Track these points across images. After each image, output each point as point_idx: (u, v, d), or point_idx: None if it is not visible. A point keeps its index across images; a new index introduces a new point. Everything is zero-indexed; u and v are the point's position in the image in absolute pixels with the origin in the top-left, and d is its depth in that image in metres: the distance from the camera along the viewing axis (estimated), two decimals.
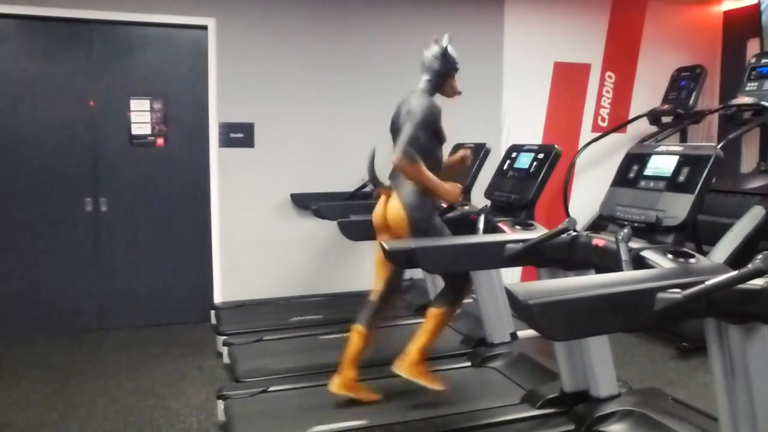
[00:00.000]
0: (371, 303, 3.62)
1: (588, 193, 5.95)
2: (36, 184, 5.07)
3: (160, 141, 5.32)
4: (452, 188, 3.52)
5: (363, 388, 3.53)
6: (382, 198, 3.63)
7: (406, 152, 3.33)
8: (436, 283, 5.04)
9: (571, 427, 3.19)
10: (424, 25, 5.71)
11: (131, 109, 5.23)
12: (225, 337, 4.57)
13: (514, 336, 4.33)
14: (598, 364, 3.27)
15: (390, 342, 4.46)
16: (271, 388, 3.66)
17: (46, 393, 4.03)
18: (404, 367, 3.49)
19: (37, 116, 5.04)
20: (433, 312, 3.55)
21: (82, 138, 5.13)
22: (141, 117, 5.26)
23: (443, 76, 3.56)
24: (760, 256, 1.91)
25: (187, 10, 5.23)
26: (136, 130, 5.26)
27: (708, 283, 1.97)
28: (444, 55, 3.54)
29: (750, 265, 1.92)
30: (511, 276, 6.00)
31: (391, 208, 3.51)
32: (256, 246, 5.56)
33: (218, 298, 5.48)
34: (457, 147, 4.74)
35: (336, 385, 3.49)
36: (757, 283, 2.01)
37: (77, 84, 5.11)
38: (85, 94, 5.13)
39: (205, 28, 5.30)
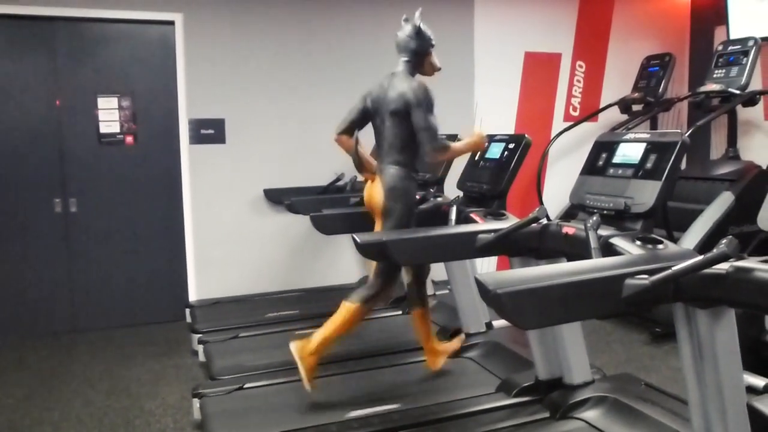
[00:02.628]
0: (369, 281, 3.58)
1: (561, 181, 5.97)
2: (3, 186, 4.99)
3: (129, 139, 5.25)
4: (477, 139, 3.68)
5: (315, 371, 3.42)
6: (369, 182, 3.66)
7: (435, 147, 3.39)
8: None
9: (546, 414, 3.22)
10: (393, 17, 5.66)
11: (99, 107, 5.16)
12: (200, 335, 4.54)
13: (489, 326, 4.35)
14: (572, 351, 3.30)
15: (367, 335, 4.49)
16: (247, 385, 3.64)
17: (18, 397, 3.98)
18: (433, 361, 3.67)
19: (1, 117, 4.95)
20: (416, 314, 3.63)
21: (49, 138, 5.06)
22: (109, 115, 5.19)
23: (421, 55, 3.58)
24: (724, 241, 1.92)
25: (153, 6, 5.17)
26: (104, 128, 5.19)
27: (674, 268, 1.99)
28: (418, 33, 3.56)
29: (715, 250, 1.94)
30: (487, 266, 6.03)
31: (375, 191, 3.57)
32: (230, 243, 5.53)
33: (193, 296, 5.44)
34: None
35: (296, 347, 3.40)
36: (722, 267, 2.03)
37: (42, 83, 5.02)
38: (51, 93, 5.05)
39: (172, 23, 5.24)
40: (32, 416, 3.71)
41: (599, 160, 3.16)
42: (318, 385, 3.47)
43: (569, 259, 2.92)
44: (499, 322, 4.37)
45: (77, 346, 4.88)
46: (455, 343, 4.02)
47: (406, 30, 3.57)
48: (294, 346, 3.41)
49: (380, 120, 3.57)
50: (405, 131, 3.45)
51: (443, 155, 3.48)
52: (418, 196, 4.19)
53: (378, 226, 3.67)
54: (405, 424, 3.18)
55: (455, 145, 3.56)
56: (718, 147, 6.28)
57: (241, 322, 4.77)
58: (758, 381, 3.46)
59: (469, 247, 3.06)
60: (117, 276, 5.29)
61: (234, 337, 4.49)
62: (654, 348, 4.53)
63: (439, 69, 3.68)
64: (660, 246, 2.47)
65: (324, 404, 3.41)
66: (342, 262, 5.80)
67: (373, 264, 3.56)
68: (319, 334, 3.43)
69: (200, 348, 4.39)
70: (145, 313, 5.34)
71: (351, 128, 3.71)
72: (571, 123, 6.26)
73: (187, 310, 5.12)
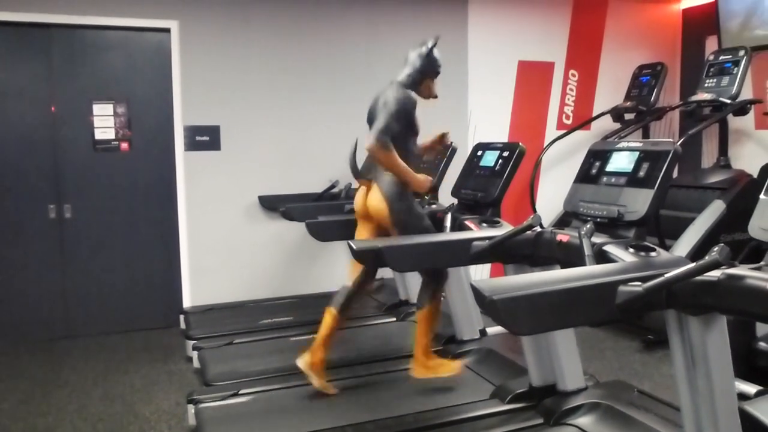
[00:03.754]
0: (345, 288, 3.69)
1: (555, 189, 6.01)
2: None
3: (124, 145, 5.26)
4: (424, 179, 3.61)
5: (325, 376, 3.57)
6: (362, 189, 3.68)
7: (379, 138, 3.40)
8: (406, 283, 5.08)
9: (540, 420, 3.23)
10: (388, 25, 5.73)
11: (94, 113, 5.17)
12: (194, 342, 4.53)
13: (483, 333, 4.37)
14: (565, 358, 3.32)
15: (362, 342, 4.51)
16: (242, 391, 3.64)
17: (12, 403, 3.97)
18: (418, 371, 3.65)
19: None
20: (422, 313, 3.66)
21: (44, 144, 5.06)
22: (104, 122, 5.20)
23: (423, 75, 3.65)
24: (716, 248, 1.95)
25: (149, 13, 5.18)
26: (99, 135, 5.20)
27: (667, 275, 2.01)
28: (428, 55, 3.63)
29: (707, 257, 1.97)
30: (481, 274, 6.05)
31: (372, 199, 3.58)
32: (225, 249, 5.53)
33: (187, 302, 5.44)
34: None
35: (303, 361, 3.56)
36: (714, 274, 2.06)
37: (38, 89, 5.03)
38: (47, 100, 5.06)
39: (167, 30, 5.26)
40: (27, 422, 3.71)
41: (593, 168, 3.19)
42: (312, 392, 3.49)
43: (563, 267, 2.94)
44: (493, 329, 4.39)
45: (71, 352, 4.87)
46: (451, 366, 3.76)
47: (418, 49, 3.66)
48: (415, 373, 3.65)
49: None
50: (394, 139, 3.47)
51: (381, 150, 3.41)
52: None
53: (362, 233, 3.71)
54: (400, 430, 3.19)
55: (398, 160, 3.47)
56: (709, 156, 6.34)
57: (236, 328, 4.76)
58: (749, 388, 3.48)
59: (463, 254, 3.08)
60: (111, 282, 5.29)
61: (228, 344, 4.49)
62: (646, 355, 4.55)
63: (435, 97, 3.75)
64: (653, 253, 2.51)
65: (319, 411, 3.42)
66: (336, 269, 5.80)
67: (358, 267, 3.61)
68: (418, 349, 3.69)
69: (194, 354, 4.38)
70: (139, 320, 5.34)
71: None
72: (564, 131, 6.30)
73: (182, 317, 5.12)
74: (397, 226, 3.53)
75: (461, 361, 3.82)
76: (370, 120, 3.67)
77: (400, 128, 3.49)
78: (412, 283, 4.91)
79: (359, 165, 3.71)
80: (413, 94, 3.58)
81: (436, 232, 3.65)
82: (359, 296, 3.75)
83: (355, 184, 3.79)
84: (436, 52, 3.66)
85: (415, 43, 3.70)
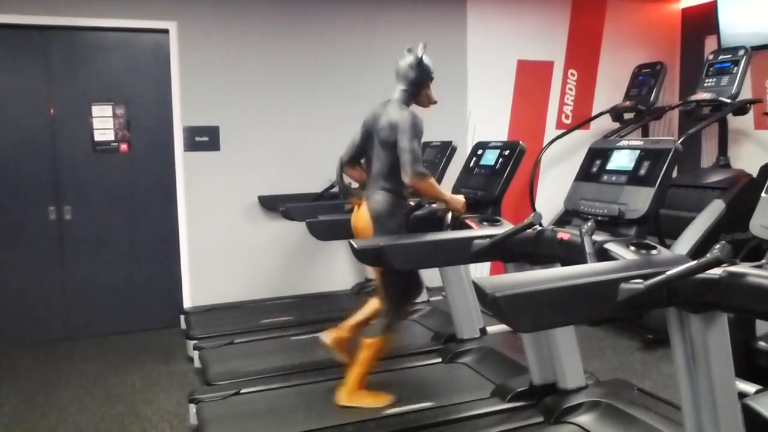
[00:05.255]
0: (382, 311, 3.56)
1: (554, 188, 6.01)
2: None
3: (123, 147, 5.27)
4: (459, 199, 3.64)
5: (370, 394, 3.53)
6: (355, 207, 3.64)
7: (416, 171, 3.33)
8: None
9: (540, 419, 3.24)
10: (387, 25, 5.74)
11: (93, 115, 5.17)
12: (195, 342, 4.54)
13: (483, 332, 4.37)
14: (566, 356, 3.33)
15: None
16: (243, 391, 3.65)
17: (13, 404, 3.97)
18: (343, 397, 3.49)
19: None
20: (370, 342, 3.47)
21: (43, 146, 5.06)
22: (103, 123, 5.20)
23: (419, 86, 3.53)
24: (717, 246, 1.96)
25: (147, 15, 5.18)
26: (98, 136, 5.20)
27: (668, 273, 2.02)
28: (419, 64, 3.50)
29: (708, 255, 1.97)
30: (480, 272, 6.05)
31: (359, 218, 3.54)
32: (225, 249, 5.53)
33: (187, 302, 5.44)
34: (425, 146, 4.78)
35: (329, 336, 3.62)
36: (715, 272, 2.07)
37: (36, 91, 5.03)
38: (45, 102, 5.06)
39: (166, 32, 5.26)
40: (28, 423, 3.71)
41: (593, 166, 3.20)
42: (313, 391, 3.50)
43: (563, 265, 2.94)
44: (494, 328, 4.39)
45: (72, 353, 4.87)
46: (378, 400, 3.52)
47: (407, 59, 3.54)
48: (340, 400, 3.49)
49: (371, 147, 3.56)
50: (393, 159, 3.40)
51: (421, 181, 3.36)
52: (412, 203, 4.22)
53: None
54: (401, 428, 3.20)
55: (436, 185, 3.50)
56: (708, 155, 6.35)
57: (236, 328, 4.77)
58: (749, 387, 3.49)
59: (464, 253, 3.09)
60: (112, 283, 5.29)
61: (229, 343, 4.50)
62: (646, 354, 4.56)
63: (435, 102, 3.65)
64: (654, 251, 2.51)
65: (319, 409, 3.42)
66: (336, 269, 5.82)
67: (370, 269, 3.59)
68: (352, 376, 3.50)
69: (195, 354, 4.39)
70: (139, 320, 5.34)
71: (356, 157, 3.69)
72: (564, 131, 6.31)
73: (182, 317, 5.12)
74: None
75: (389, 397, 3.53)
76: (367, 137, 3.58)
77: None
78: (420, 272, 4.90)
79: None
80: (417, 112, 3.47)
81: None
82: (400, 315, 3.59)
83: (354, 184, 3.77)
84: (426, 59, 3.53)
85: (403, 51, 3.58)
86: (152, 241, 5.39)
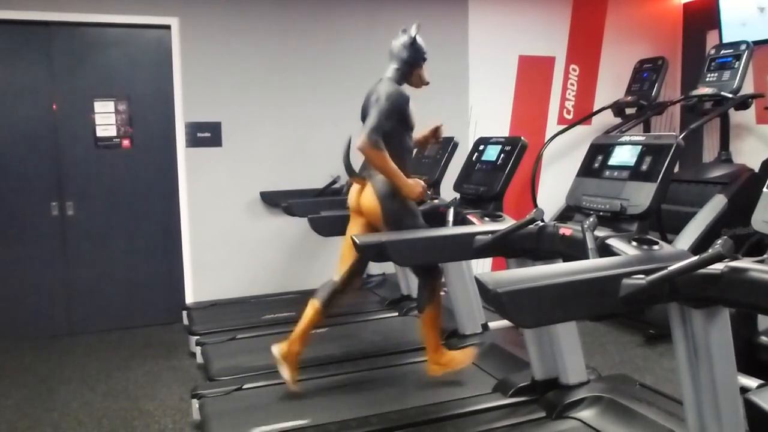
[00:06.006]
0: (332, 283, 3.68)
1: (556, 184, 6.01)
2: (0, 190, 5.00)
3: (126, 142, 5.27)
4: (414, 184, 3.49)
5: (296, 369, 3.55)
6: (357, 186, 3.65)
7: (370, 137, 3.34)
8: (408, 278, 5.09)
9: (542, 414, 3.25)
10: (389, 21, 5.71)
11: (95, 111, 5.17)
12: (198, 337, 4.55)
13: (485, 327, 4.38)
14: (568, 352, 3.33)
15: (364, 336, 4.52)
16: (245, 386, 3.66)
17: (16, 399, 3.99)
18: (433, 368, 3.65)
19: None
20: (424, 315, 3.63)
21: (46, 142, 5.07)
22: (106, 119, 5.20)
23: (411, 66, 3.57)
24: (719, 241, 1.96)
25: (149, 10, 5.18)
26: (101, 132, 5.20)
27: (670, 268, 2.03)
28: (412, 44, 3.54)
29: (710, 250, 1.98)
30: (482, 268, 6.05)
31: (365, 198, 3.55)
32: (227, 245, 5.54)
33: (190, 298, 5.45)
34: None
35: (279, 349, 3.55)
36: (718, 267, 2.07)
37: (39, 87, 5.03)
38: (48, 98, 5.06)
39: (168, 27, 5.26)
40: (31, 418, 3.72)
41: (595, 162, 3.20)
42: (316, 386, 3.50)
43: (565, 260, 2.95)
44: (495, 324, 4.40)
45: (75, 348, 4.88)
46: (463, 356, 3.76)
47: (401, 39, 3.57)
48: (433, 372, 3.65)
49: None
50: (388, 136, 3.41)
51: (371, 149, 3.34)
52: None
53: (354, 229, 3.66)
54: (402, 424, 3.21)
55: (389, 161, 3.39)
56: (710, 150, 6.34)
57: (239, 323, 4.78)
58: (751, 382, 3.49)
59: (466, 249, 3.10)
60: (114, 278, 5.30)
61: (231, 339, 4.51)
62: (648, 349, 4.56)
63: (427, 83, 3.65)
64: (656, 247, 2.51)
65: (322, 404, 3.43)
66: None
67: (347, 261, 3.61)
68: (429, 349, 3.69)
69: (198, 349, 4.40)
70: (142, 316, 5.35)
71: None
72: (565, 126, 6.30)
73: (184, 313, 5.13)
74: (390, 225, 3.47)
75: (472, 348, 3.81)
76: (363, 117, 3.60)
77: (394, 125, 3.42)
78: (413, 278, 4.91)
79: (354, 163, 3.69)
80: (404, 90, 3.51)
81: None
82: (344, 293, 3.70)
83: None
84: (419, 40, 3.56)
85: (391, 40, 3.61)
86: (154, 236, 5.40)
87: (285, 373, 3.52)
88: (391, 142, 3.41)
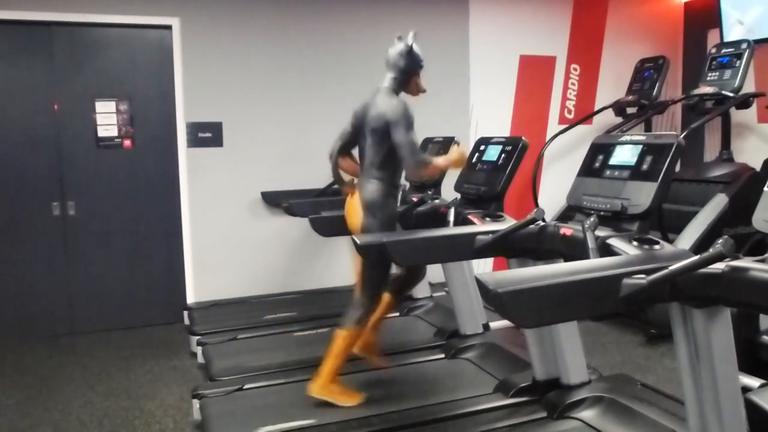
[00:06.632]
0: (399, 273, 3.71)
1: (557, 183, 6.01)
2: (2, 190, 5.00)
3: (127, 142, 5.27)
4: (458, 156, 3.54)
5: (343, 391, 3.48)
6: (349, 196, 3.64)
7: (418, 161, 3.33)
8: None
9: (544, 414, 3.25)
10: (390, 21, 5.73)
11: (97, 111, 5.17)
12: (199, 337, 4.56)
13: (486, 327, 4.38)
14: (569, 352, 3.33)
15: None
16: (246, 386, 3.67)
17: (18, 399, 3.99)
18: (316, 389, 3.44)
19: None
20: (343, 334, 3.45)
21: (47, 142, 5.07)
22: (107, 119, 5.21)
23: (408, 74, 3.52)
24: (720, 241, 1.96)
25: (150, 10, 5.18)
26: (102, 132, 5.20)
27: (671, 268, 2.02)
28: (409, 53, 3.48)
29: (711, 250, 1.97)
30: (483, 268, 6.05)
31: (351, 208, 3.54)
32: (228, 245, 5.54)
33: (191, 298, 5.46)
34: (427, 141, 4.78)
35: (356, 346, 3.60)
36: (719, 267, 2.06)
37: (40, 88, 5.04)
38: (49, 98, 5.06)
39: (169, 27, 5.26)
40: (32, 417, 3.73)
41: (596, 161, 3.19)
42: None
43: (566, 260, 2.95)
44: (496, 324, 4.40)
45: (76, 348, 4.89)
46: (349, 398, 3.49)
47: (397, 48, 3.51)
48: (312, 391, 3.44)
49: (362, 137, 3.55)
50: (384, 149, 3.40)
51: (425, 170, 3.39)
52: (415, 198, 4.23)
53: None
54: (404, 424, 3.22)
55: (436, 160, 3.49)
56: (711, 149, 6.33)
57: (240, 324, 4.78)
58: (753, 381, 3.49)
59: (467, 249, 3.09)
60: (115, 278, 5.31)
61: (232, 339, 4.51)
62: (649, 349, 4.56)
63: (424, 91, 3.61)
64: (656, 246, 2.51)
65: (323, 404, 3.42)
66: (339, 265, 5.82)
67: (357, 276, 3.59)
68: (326, 368, 3.44)
69: (199, 349, 4.40)
70: (143, 316, 5.36)
71: (346, 147, 3.69)
72: (566, 126, 6.30)
73: (186, 313, 5.14)
74: (362, 231, 3.43)
75: (361, 395, 3.51)
76: (356, 125, 3.58)
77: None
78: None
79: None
80: (406, 101, 3.45)
81: None
82: (373, 307, 3.56)
83: (355, 181, 3.77)
84: (416, 48, 3.51)
85: (393, 40, 3.57)
86: (155, 236, 5.40)
87: (340, 400, 3.44)
88: (394, 152, 3.39)
